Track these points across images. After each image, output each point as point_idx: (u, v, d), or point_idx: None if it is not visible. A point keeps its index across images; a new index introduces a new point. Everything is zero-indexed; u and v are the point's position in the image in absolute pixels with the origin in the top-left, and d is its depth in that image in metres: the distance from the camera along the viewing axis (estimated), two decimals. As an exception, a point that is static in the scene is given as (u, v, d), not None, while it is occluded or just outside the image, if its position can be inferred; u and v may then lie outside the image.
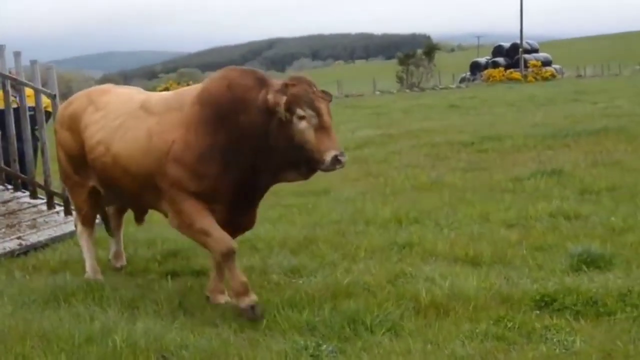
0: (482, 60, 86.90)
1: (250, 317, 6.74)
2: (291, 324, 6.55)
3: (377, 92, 63.96)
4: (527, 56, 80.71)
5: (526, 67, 77.57)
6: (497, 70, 77.33)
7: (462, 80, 79.16)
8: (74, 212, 9.28)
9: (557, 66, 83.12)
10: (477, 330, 6.33)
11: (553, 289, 7.00)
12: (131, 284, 8.11)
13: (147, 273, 8.58)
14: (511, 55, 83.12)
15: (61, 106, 8.89)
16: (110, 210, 8.92)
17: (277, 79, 6.93)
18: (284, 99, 6.53)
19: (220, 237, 6.95)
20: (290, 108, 6.50)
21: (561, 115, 26.10)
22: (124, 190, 7.72)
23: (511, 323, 6.44)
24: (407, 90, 66.33)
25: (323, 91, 6.74)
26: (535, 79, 71.54)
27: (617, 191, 11.95)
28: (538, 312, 6.74)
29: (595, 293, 6.80)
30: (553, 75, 75.40)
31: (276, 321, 6.62)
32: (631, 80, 61.81)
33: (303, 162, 6.74)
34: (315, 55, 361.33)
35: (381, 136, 23.56)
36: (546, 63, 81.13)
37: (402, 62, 76.61)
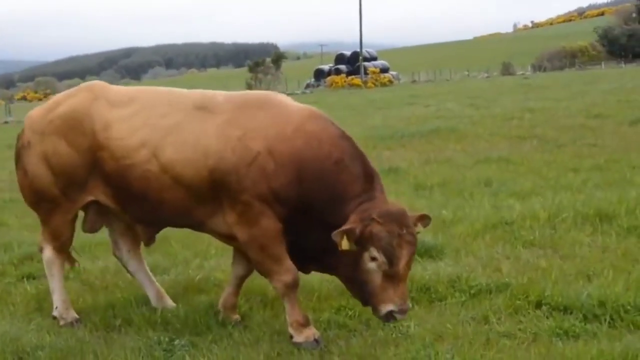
0: (326, 67, 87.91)
1: (313, 348, 5.87)
2: (145, 320, 6.46)
3: (228, 98, 63.71)
4: (366, 64, 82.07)
5: (366, 73, 78.79)
6: (339, 76, 78.28)
7: (307, 86, 79.80)
8: (42, 234, 6.83)
9: (394, 72, 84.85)
10: (320, 319, 6.38)
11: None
12: (-13, 287, 7.76)
13: (4, 277, 8.24)
14: (352, 63, 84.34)
15: (37, 111, 6.70)
16: (122, 246, 7.06)
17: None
18: (358, 230, 5.44)
19: (289, 267, 6.02)
20: (364, 245, 5.45)
21: (398, 118, 26.67)
22: (165, 204, 6.20)
23: (352, 312, 6.52)
24: (257, 96, 66.26)
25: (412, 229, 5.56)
26: (374, 84, 72.71)
27: (447, 186, 12.34)
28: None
29: (428, 280, 6.96)
30: (390, 81, 76.79)
31: (131, 319, 6.51)
32: (460, 84, 63.69)
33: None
34: (169, 64, 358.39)
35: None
36: (384, 70, 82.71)
37: (251, 69, 76.62)
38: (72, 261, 7.10)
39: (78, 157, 6.30)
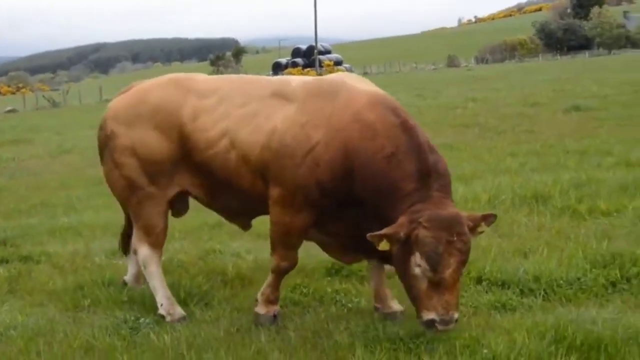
0: (283, 60, 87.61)
1: (271, 323, 5.78)
2: (112, 300, 6.41)
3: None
4: (321, 57, 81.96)
5: (321, 66, 78.63)
6: (296, 69, 78.20)
7: (267, 78, 79.47)
8: (135, 235, 6.34)
9: (347, 65, 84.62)
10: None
11: (343, 258, 7.12)
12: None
13: (-23, 261, 8.09)
14: (308, 56, 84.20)
15: (120, 101, 6.24)
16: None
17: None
18: (403, 234, 4.92)
19: (293, 257, 5.85)
20: (411, 249, 4.93)
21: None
22: (246, 192, 5.83)
23: (306, 289, 6.54)
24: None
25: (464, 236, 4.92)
26: (329, 76, 72.46)
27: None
28: (329, 278, 6.86)
29: (377, 260, 6.97)
30: (344, 73, 76.60)
31: (99, 299, 6.46)
32: (409, 76, 63.93)
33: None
34: (135, 59, 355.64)
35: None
36: (338, 63, 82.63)
37: (213, 63, 76.49)
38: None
39: (168, 148, 5.91)
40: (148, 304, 6.25)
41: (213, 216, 9.54)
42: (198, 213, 10.04)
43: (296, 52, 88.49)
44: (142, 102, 6.07)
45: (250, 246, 7.90)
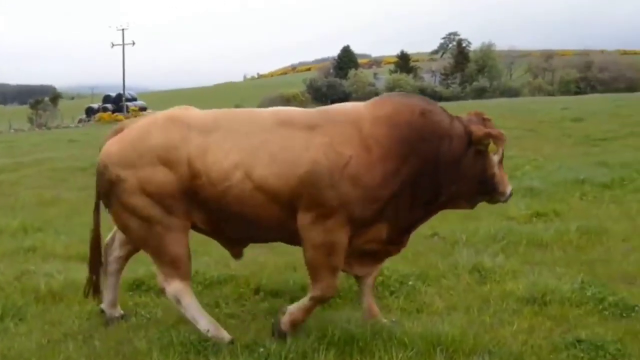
0: (95, 106, 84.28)
1: (281, 338, 5.16)
2: None
3: (12, 130, 59.71)
4: (129, 103, 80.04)
5: (128, 111, 76.80)
6: (106, 113, 75.75)
7: (80, 121, 76.26)
8: (160, 273, 5.32)
9: (150, 111, 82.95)
10: (84, 311, 6.15)
11: (143, 274, 6.96)
12: None
13: None
14: (117, 102, 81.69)
15: (115, 146, 5.28)
16: (117, 250, 5.88)
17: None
18: (488, 132, 5.11)
19: (335, 285, 5.23)
20: (488, 142, 5.11)
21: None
22: (262, 221, 5.10)
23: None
24: (37, 129, 62.68)
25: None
26: (135, 120, 71.17)
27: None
28: (131, 293, 6.68)
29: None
30: (148, 118, 75.53)
31: None
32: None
33: (481, 193, 5.34)
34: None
35: (14, 164, 22.05)
36: (143, 109, 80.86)
37: (32, 106, 72.54)
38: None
39: (175, 185, 5.04)
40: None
41: (28, 241, 9.10)
42: (14, 238, 9.54)
43: (106, 99, 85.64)
44: (143, 141, 5.16)
45: (61, 267, 7.49)
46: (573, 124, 27.05)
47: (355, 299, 6.23)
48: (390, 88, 78.70)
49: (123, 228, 5.36)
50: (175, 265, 5.18)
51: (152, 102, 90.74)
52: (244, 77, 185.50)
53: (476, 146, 5.13)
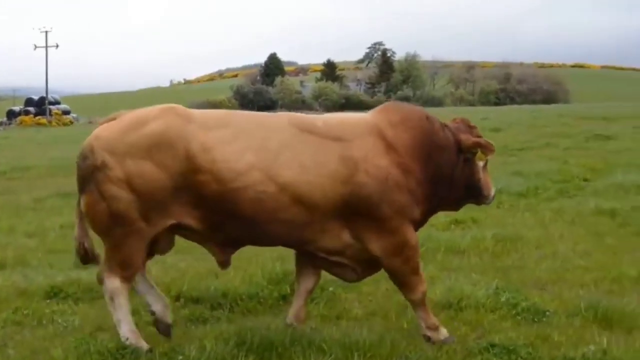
0: (17, 108, 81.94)
1: (450, 342, 5.19)
2: None
3: None
4: (52, 107, 77.99)
5: (51, 114, 74.92)
6: (28, 117, 73.76)
7: (1, 124, 74.06)
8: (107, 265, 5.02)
9: (74, 115, 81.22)
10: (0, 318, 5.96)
11: (60, 282, 6.80)
12: None
13: None
14: (39, 105, 79.60)
15: (109, 130, 4.96)
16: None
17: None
18: (474, 140, 5.34)
19: (423, 277, 5.30)
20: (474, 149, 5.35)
21: (76, 151, 25.54)
22: (277, 223, 4.90)
23: (27, 311, 6.13)
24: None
25: None
26: (58, 124, 69.53)
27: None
28: (48, 301, 6.51)
29: (92, 282, 6.66)
30: (71, 122, 73.83)
31: None
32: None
33: (467, 197, 5.57)
34: None
35: None
36: (66, 112, 79.10)
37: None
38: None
39: (167, 179, 4.74)
40: None
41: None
42: None
43: (29, 102, 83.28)
44: (137, 131, 4.84)
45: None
46: (492, 134, 27.67)
47: (275, 305, 6.24)
48: (317, 96, 79.18)
49: (91, 215, 4.99)
50: (124, 267, 4.95)
51: (76, 105, 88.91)
52: (171, 82, 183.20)
53: (465, 154, 5.36)
